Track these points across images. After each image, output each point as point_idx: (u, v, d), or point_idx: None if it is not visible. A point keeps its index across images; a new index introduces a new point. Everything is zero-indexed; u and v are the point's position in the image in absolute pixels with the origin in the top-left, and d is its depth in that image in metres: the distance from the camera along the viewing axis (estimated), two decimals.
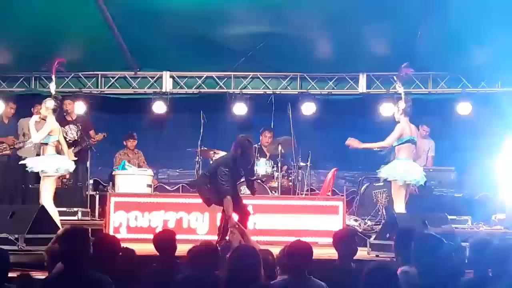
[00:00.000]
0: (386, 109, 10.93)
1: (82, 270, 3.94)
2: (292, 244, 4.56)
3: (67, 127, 10.33)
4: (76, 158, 10.25)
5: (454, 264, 4.51)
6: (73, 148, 10.34)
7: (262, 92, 11.17)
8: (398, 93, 8.67)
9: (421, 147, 10.62)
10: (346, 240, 4.92)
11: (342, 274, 4.63)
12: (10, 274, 5.72)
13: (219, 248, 4.86)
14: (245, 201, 8.79)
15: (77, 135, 10.40)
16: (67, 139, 10.29)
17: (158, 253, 5.20)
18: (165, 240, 5.14)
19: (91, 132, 10.84)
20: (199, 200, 9.23)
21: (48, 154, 8.24)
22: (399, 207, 8.03)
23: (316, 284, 4.43)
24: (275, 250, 7.13)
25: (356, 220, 9.73)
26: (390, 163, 8.30)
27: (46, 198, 8.11)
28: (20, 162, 8.77)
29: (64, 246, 4.11)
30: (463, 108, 10.97)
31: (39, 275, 5.48)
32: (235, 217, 7.72)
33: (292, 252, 4.47)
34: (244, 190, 9.33)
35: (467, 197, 11.76)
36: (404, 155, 8.22)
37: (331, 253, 7.71)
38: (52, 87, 8.40)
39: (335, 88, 11.18)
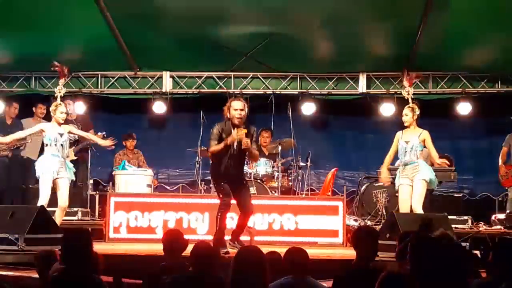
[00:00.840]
0: (386, 109, 10.94)
1: (84, 273, 3.92)
2: (287, 252, 4.61)
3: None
4: (75, 158, 10.30)
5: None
6: (73, 147, 10.36)
7: (262, 92, 11.17)
8: (404, 97, 8.47)
9: None
10: (366, 240, 4.64)
11: (360, 275, 4.49)
12: (6, 273, 5.76)
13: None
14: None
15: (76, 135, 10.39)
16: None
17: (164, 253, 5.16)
18: (174, 241, 5.10)
19: (91, 132, 10.82)
20: (199, 200, 9.28)
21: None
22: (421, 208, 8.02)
23: (318, 285, 4.50)
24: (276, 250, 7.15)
25: (356, 220, 9.73)
26: (426, 166, 8.19)
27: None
28: None
29: (66, 247, 4.10)
30: (463, 108, 10.98)
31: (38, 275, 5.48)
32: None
33: (289, 259, 4.52)
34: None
35: (467, 197, 11.80)
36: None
37: (331, 253, 7.76)
38: (62, 90, 8.37)
39: (335, 88, 11.17)
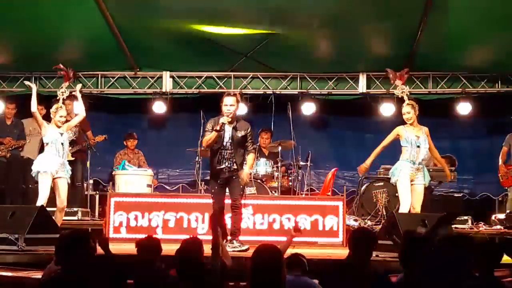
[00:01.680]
0: (386, 109, 10.95)
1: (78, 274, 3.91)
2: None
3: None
4: (73, 158, 10.32)
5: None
6: (70, 147, 10.36)
7: (262, 92, 11.17)
8: (398, 96, 8.42)
9: None
10: (360, 240, 4.63)
11: (354, 274, 4.51)
12: (6, 273, 5.75)
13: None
14: (245, 201, 8.81)
15: (74, 135, 10.41)
16: None
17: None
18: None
19: (89, 133, 10.83)
20: (199, 200, 9.27)
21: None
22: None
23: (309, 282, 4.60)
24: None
25: (356, 220, 9.73)
26: (426, 170, 8.13)
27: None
28: None
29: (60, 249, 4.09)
30: (463, 108, 10.98)
31: (38, 275, 5.49)
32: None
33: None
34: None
35: (467, 197, 11.80)
36: None
37: (331, 253, 7.76)
38: (65, 93, 8.37)
39: (335, 88, 11.18)
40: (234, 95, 7.84)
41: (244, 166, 7.85)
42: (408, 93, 8.30)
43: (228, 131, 7.71)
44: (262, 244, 4.16)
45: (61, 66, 8.53)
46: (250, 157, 7.88)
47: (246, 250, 7.49)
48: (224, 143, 7.69)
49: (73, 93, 8.60)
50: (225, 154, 7.71)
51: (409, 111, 8.09)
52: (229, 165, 7.70)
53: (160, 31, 9.81)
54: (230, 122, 7.69)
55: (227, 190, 7.94)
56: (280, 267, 3.95)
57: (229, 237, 7.80)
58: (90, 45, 10.10)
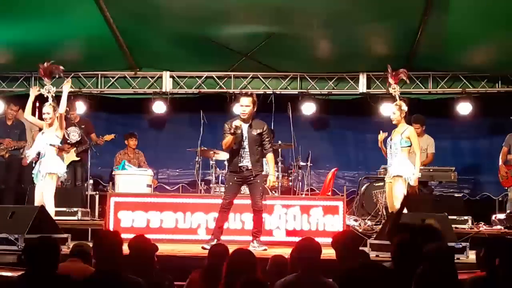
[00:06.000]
0: (386, 109, 10.93)
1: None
2: (301, 242, 4.56)
3: (69, 128, 10.32)
4: (78, 158, 10.34)
5: None
6: (75, 148, 10.40)
7: (262, 92, 11.16)
8: (391, 94, 8.40)
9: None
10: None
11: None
12: (6, 273, 5.74)
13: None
14: (244, 201, 8.84)
15: (79, 137, 10.45)
16: (68, 141, 10.32)
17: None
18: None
19: (93, 135, 10.83)
20: (199, 200, 9.27)
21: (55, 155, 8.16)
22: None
23: (327, 283, 4.43)
24: (275, 251, 7.17)
25: (356, 220, 9.72)
26: (400, 162, 8.03)
27: (51, 197, 7.99)
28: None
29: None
30: (463, 108, 10.98)
31: None
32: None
33: (301, 250, 4.47)
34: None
35: (467, 197, 11.79)
36: (407, 156, 8.20)
37: (331, 253, 7.73)
38: (50, 89, 8.08)
39: (335, 88, 11.18)
40: (251, 95, 7.90)
41: (263, 166, 8.12)
42: (398, 93, 8.28)
43: (244, 130, 7.79)
44: (238, 248, 4.19)
45: (39, 65, 8.27)
46: (270, 158, 8.02)
47: (264, 251, 7.57)
48: (241, 142, 7.78)
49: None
50: (242, 152, 7.81)
51: (394, 112, 8.16)
52: (246, 164, 7.80)
53: (160, 31, 9.81)
54: (245, 121, 7.76)
55: (241, 189, 8.14)
56: (254, 272, 3.94)
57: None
58: (90, 45, 10.10)
